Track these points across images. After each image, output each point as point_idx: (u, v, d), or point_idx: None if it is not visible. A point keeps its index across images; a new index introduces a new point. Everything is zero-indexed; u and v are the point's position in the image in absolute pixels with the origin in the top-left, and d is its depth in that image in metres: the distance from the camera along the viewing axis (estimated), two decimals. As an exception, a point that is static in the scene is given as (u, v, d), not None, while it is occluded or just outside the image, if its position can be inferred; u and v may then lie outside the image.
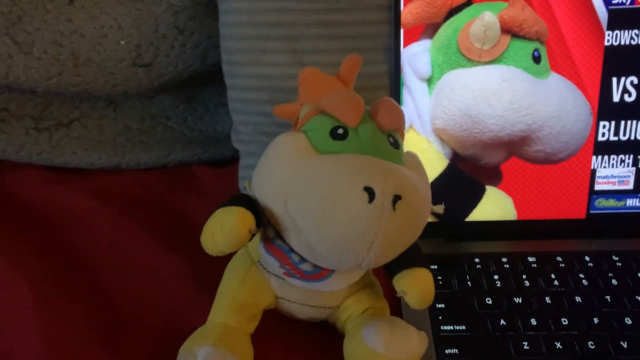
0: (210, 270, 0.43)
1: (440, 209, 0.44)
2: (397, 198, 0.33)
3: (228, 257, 0.41)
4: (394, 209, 0.33)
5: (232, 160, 0.61)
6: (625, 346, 0.41)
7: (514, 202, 0.51)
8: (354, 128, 0.36)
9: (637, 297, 0.45)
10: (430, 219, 0.51)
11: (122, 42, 0.56)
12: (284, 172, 0.35)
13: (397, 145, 0.38)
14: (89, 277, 0.48)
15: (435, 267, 0.48)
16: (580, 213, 0.51)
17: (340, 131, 0.36)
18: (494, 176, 0.51)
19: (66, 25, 0.55)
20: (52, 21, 0.55)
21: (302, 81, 0.41)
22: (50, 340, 0.41)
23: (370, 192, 0.33)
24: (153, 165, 0.63)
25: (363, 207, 0.33)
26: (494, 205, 0.51)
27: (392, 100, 0.38)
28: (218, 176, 0.61)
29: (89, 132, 0.62)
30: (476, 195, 0.51)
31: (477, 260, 0.49)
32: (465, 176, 0.51)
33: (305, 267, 0.38)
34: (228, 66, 0.52)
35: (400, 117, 0.39)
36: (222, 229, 0.35)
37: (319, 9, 0.49)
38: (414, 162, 0.39)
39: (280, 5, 0.49)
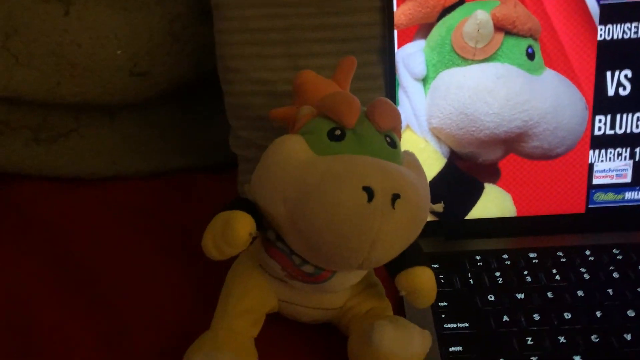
0: (212, 276, 0.43)
1: (439, 207, 0.44)
2: (396, 197, 0.33)
3: (229, 262, 0.42)
4: (393, 207, 0.33)
5: (230, 165, 0.61)
6: (629, 338, 0.41)
7: (513, 199, 0.51)
8: (351, 129, 0.37)
9: (638, 289, 0.45)
10: (430, 217, 0.51)
11: (119, 52, 0.56)
12: (283, 174, 0.36)
13: (394, 144, 0.38)
14: (92, 285, 0.48)
15: (437, 265, 0.48)
16: (579, 207, 0.51)
17: (337, 132, 0.36)
18: (492, 173, 0.51)
19: (63, 36, 0.56)
20: (49, 32, 0.55)
21: (298, 84, 0.41)
22: (56, 347, 0.42)
23: (369, 192, 0.33)
24: (152, 173, 0.63)
25: (363, 207, 0.33)
26: (493, 203, 0.51)
27: (388, 100, 0.38)
28: (216, 182, 0.61)
29: (87, 142, 0.62)
30: (475, 193, 0.51)
31: (478, 257, 0.49)
32: (463, 174, 0.51)
33: (306, 269, 0.38)
34: (224, 72, 0.53)
35: (396, 117, 0.39)
36: (223, 232, 0.35)
37: (312, 13, 0.49)
38: (412, 161, 0.39)
39: (274, 11, 0.50)
